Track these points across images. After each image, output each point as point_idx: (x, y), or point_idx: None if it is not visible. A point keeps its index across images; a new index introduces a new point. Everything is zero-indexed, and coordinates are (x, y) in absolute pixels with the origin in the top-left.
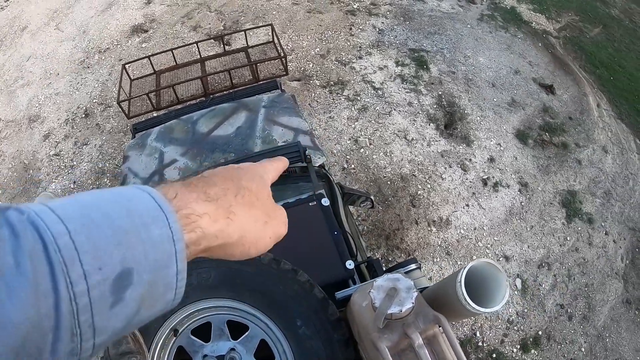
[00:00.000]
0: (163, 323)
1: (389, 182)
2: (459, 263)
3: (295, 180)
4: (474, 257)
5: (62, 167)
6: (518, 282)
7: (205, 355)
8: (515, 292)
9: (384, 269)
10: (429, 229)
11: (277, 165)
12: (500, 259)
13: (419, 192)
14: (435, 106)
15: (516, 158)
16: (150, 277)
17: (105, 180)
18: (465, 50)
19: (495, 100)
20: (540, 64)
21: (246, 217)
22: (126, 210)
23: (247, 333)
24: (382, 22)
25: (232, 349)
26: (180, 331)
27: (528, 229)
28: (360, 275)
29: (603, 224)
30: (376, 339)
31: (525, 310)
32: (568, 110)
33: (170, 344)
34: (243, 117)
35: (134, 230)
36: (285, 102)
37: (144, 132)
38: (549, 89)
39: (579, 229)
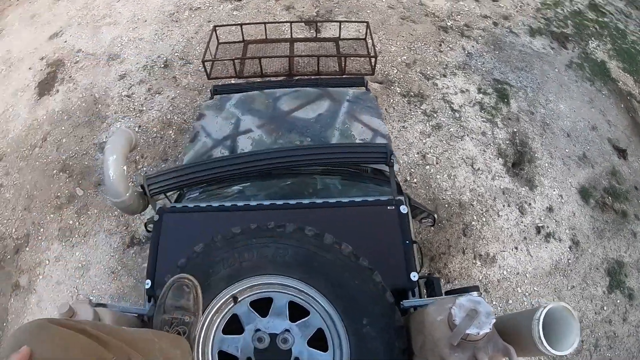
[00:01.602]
0: (225, 288)
1: (446, 205)
2: (494, 302)
3: (364, 180)
4: (510, 302)
5: (131, 109)
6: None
7: (257, 329)
8: None
9: (443, 290)
10: (474, 261)
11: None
12: None
13: (473, 222)
14: (507, 142)
15: (574, 214)
16: None
17: (171, 132)
18: (548, 93)
19: (567, 150)
20: (619, 126)
21: None
22: None
23: (306, 318)
24: (472, 46)
25: (287, 330)
26: (240, 299)
27: (569, 287)
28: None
29: None
30: (447, 355)
31: None
32: (636, 179)
33: (226, 310)
34: (326, 106)
35: None
36: (369, 101)
37: (223, 95)
38: (622, 153)
39: (618, 301)
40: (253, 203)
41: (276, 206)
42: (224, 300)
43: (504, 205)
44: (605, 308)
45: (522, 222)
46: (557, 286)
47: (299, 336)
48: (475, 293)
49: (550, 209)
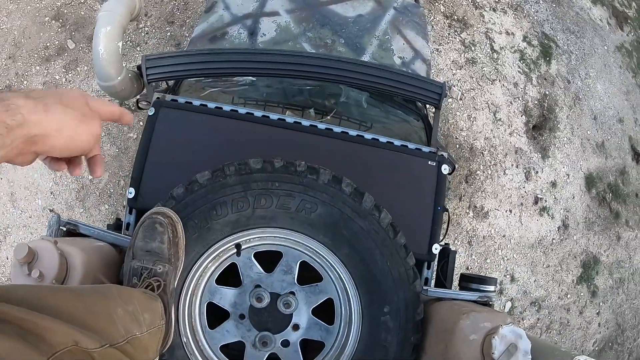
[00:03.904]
0: (229, 235)
1: (457, 146)
2: (473, 257)
3: (394, 105)
4: (488, 261)
5: None
6: (508, 304)
7: (258, 286)
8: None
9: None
10: (467, 211)
11: (113, 109)
12: (507, 277)
13: (478, 172)
14: (536, 102)
15: (574, 197)
16: None
17: None
18: (590, 68)
19: (588, 133)
20: None
21: (61, 113)
22: None
23: (317, 284)
24: None
25: (292, 293)
26: (243, 248)
27: (544, 265)
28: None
29: (601, 304)
30: None
31: None
32: (639, 187)
33: (224, 258)
34: (369, 7)
35: None
36: (418, 16)
37: None
38: (637, 156)
39: (581, 294)
40: (274, 116)
41: (303, 128)
42: (224, 248)
43: (512, 165)
44: (568, 296)
45: (524, 187)
46: (534, 260)
47: (304, 302)
48: (491, 287)
49: (553, 184)
